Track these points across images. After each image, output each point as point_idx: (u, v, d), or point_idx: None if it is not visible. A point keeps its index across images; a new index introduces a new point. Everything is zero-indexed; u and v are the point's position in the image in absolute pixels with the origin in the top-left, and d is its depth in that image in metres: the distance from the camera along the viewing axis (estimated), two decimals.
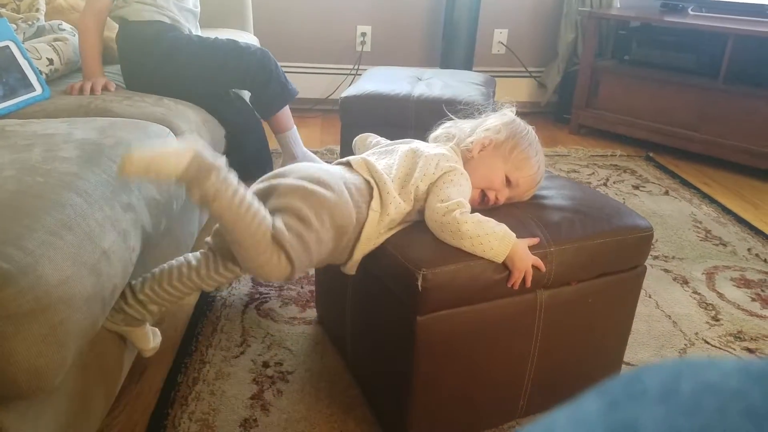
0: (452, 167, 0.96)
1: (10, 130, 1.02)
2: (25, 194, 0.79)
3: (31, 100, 1.28)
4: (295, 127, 1.69)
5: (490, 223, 0.90)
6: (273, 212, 0.90)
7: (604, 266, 1.00)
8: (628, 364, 1.21)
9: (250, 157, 1.54)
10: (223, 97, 1.52)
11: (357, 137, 1.19)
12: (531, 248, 0.92)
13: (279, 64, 1.56)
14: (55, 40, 1.43)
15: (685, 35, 2.48)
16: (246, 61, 1.49)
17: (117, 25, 1.52)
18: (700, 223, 1.89)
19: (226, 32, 2.12)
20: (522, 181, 1.03)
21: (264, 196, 0.93)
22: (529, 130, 1.07)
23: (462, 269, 0.88)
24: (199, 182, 0.81)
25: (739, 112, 2.27)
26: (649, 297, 1.46)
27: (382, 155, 1.04)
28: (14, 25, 1.35)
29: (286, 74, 1.59)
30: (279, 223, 0.88)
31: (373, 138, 1.15)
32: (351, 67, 2.98)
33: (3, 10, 1.43)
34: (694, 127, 2.39)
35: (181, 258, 0.97)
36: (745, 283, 1.54)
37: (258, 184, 0.98)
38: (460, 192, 0.94)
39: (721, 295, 1.48)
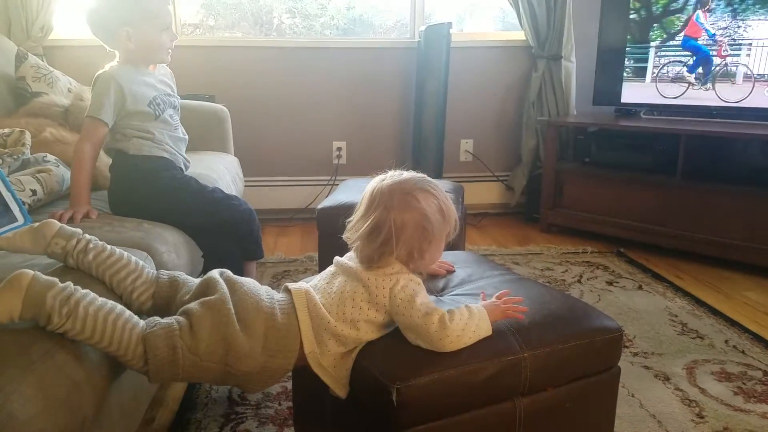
0: (395, 281, 0.96)
1: None
2: None
3: (13, 229, 1.31)
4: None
5: (470, 319, 0.93)
6: (186, 310, 0.93)
7: (577, 370, 1.01)
8: None
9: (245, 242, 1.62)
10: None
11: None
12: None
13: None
14: (39, 171, 1.49)
15: (640, 137, 2.64)
16: (234, 214, 1.58)
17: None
18: (676, 316, 1.92)
19: (209, 155, 2.24)
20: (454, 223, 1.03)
21: (204, 288, 0.98)
22: (411, 187, 0.99)
23: (437, 381, 0.88)
24: (41, 314, 0.82)
25: (699, 206, 2.39)
26: (632, 396, 1.45)
27: (328, 278, 1.04)
28: (0, 160, 1.41)
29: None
30: (171, 323, 0.90)
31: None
32: (329, 178, 3.11)
33: None
34: (660, 222, 2.50)
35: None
36: (726, 376, 1.55)
37: (215, 274, 1.00)
38: (422, 299, 0.94)
39: (703, 391, 1.48)
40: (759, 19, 2.43)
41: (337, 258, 1.08)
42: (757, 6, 2.42)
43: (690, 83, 2.61)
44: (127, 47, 1.49)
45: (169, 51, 1.57)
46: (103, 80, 1.46)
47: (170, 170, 1.54)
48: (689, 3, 2.58)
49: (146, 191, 1.49)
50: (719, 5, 2.50)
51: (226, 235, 1.57)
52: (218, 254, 1.54)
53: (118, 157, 1.52)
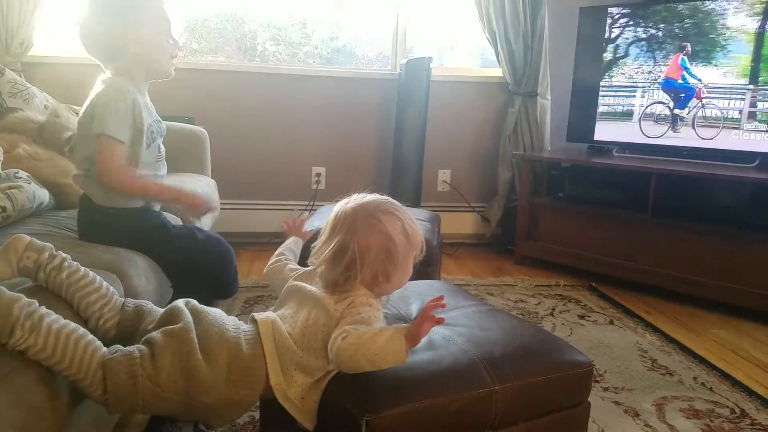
0: (350, 301, 0.95)
1: None
2: None
3: None
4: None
5: (370, 340, 0.86)
6: (148, 339, 0.91)
7: (548, 404, 1.01)
8: None
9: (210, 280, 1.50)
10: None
11: (269, 267, 1.16)
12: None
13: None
14: (10, 188, 1.46)
15: (612, 174, 2.71)
16: (207, 262, 1.47)
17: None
18: (646, 352, 1.94)
19: (186, 176, 2.22)
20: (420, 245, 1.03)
21: (169, 317, 0.96)
22: (373, 209, 0.99)
23: (406, 413, 0.87)
24: (5, 326, 0.80)
25: (669, 243, 2.44)
26: None
27: (295, 306, 1.02)
28: None
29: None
30: (132, 351, 0.88)
31: (288, 269, 1.11)
32: (307, 203, 3.11)
33: None
34: (631, 257, 2.54)
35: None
36: (694, 413, 1.56)
37: (180, 303, 0.98)
38: (357, 323, 0.91)
39: (672, 428, 1.48)
40: (703, 66, 2.58)
41: (299, 283, 1.05)
42: (702, 55, 2.58)
43: (680, 118, 2.68)
44: (128, 54, 1.29)
45: (173, 61, 1.39)
46: (119, 89, 1.25)
47: (145, 220, 1.37)
48: (632, 48, 2.71)
49: (117, 241, 1.34)
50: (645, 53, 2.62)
51: (199, 278, 1.47)
52: (188, 291, 1.47)
53: (85, 201, 1.37)
